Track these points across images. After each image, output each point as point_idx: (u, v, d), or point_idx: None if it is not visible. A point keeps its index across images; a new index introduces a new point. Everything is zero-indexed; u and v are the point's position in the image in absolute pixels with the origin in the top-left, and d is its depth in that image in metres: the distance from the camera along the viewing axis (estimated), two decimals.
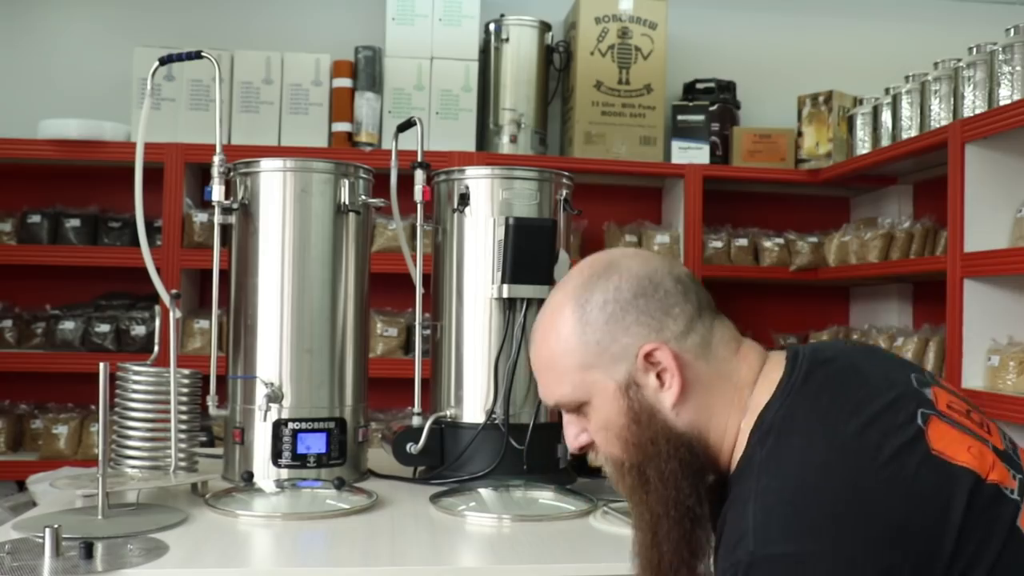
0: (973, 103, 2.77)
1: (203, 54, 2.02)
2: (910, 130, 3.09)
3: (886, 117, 3.25)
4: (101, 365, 1.61)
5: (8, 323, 3.33)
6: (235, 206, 2.01)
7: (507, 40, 3.50)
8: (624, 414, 1.09)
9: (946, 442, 0.98)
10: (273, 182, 2.03)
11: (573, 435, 1.16)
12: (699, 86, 3.73)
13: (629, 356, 1.08)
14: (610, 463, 1.14)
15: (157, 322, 2.06)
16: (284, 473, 1.97)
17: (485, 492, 1.92)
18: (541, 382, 1.17)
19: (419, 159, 2.10)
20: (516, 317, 2.05)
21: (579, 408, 1.13)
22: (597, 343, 1.09)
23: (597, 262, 1.14)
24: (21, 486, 3.19)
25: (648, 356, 1.07)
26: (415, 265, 2.16)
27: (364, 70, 3.41)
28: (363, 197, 2.09)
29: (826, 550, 0.91)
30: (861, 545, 0.91)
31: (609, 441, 1.12)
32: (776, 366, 1.09)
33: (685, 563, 1.07)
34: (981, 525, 0.94)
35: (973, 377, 2.63)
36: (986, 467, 0.98)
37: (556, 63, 3.65)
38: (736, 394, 1.08)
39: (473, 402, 2.09)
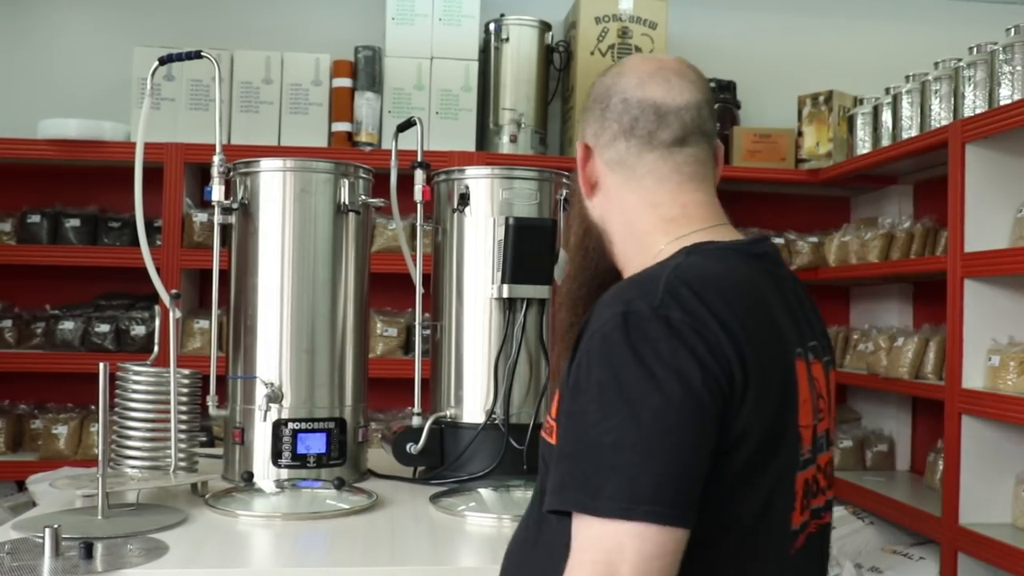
0: (973, 103, 2.76)
1: (203, 54, 2.02)
2: (910, 130, 3.09)
3: (886, 117, 3.25)
4: (101, 365, 1.62)
5: (8, 323, 3.33)
6: (235, 206, 2.01)
7: (507, 40, 3.50)
8: (576, 185, 1.27)
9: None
10: (273, 182, 2.03)
11: None
12: None
13: (578, 144, 1.25)
14: None
15: (157, 322, 2.06)
16: (284, 473, 1.97)
17: (485, 492, 1.92)
18: None
19: (419, 159, 2.10)
20: (516, 317, 2.05)
21: None
22: (585, 120, 1.27)
23: (618, 63, 1.27)
24: (21, 486, 3.19)
25: (582, 149, 1.23)
26: (415, 265, 2.16)
27: (364, 70, 3.41)
28: (363, 197, 2.09)
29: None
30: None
31: None
32: (727, 236, 1.17)
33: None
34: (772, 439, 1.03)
35: (973, 377, 2.63)
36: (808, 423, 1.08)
37: (556, 63, 3.65)
38: (658, 219, 1.18)
39: (473, 402, 2.09)
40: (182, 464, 1.88)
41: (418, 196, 2.08)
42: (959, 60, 2.88)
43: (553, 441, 1.06)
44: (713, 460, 0.97)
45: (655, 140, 1.17)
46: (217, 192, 1.95)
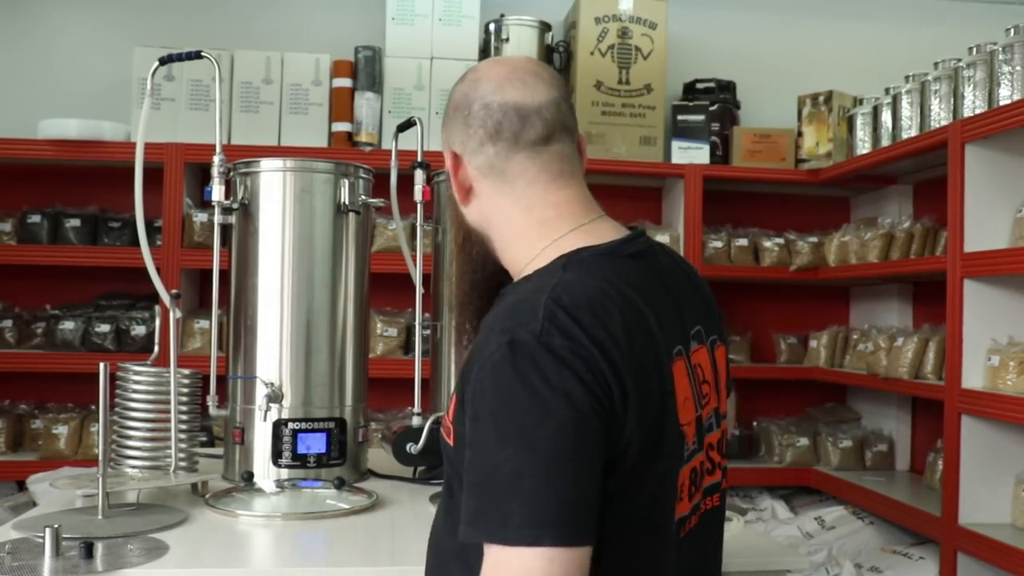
0: (973, 103, 2.77)
1: (203, 54, 2.02)
2: (910, 130, 3.09)
3: (886, 117, 3.25)
4: (101, 365, 1.62)
5: (8, 323, 3.33)
6: (235, 206, 2.01)
7: (507, 40, 3.50)
8: (451, 192, 1.27)
9: (678, 379, 1.13)
10: (273, 182, 2.03)
11: None
12: (699, 86, 3.74)
13: (446, 152, 1.26)
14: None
15: (157, 322, 2.06)
16: (284, 473, 1.97)
17: None
18: None
19: (419, 159, 2.10)
20: None
21: None
22: (449, 130, 1.27)
23: (476, 70, 1.28)
24: (21, 486, 3.19)
25: (451, 157, 1.24)
26: (415, 265, 2.16)
27: (364, 70, 3.41)
28: (363, 197, 2.09)
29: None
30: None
31: None
32: (613, 231, 1.21)
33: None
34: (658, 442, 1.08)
35: (973, 377, 2.63)
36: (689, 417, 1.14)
37: (556, 63, 3.65)
38: (533, 222, 1.21)
39: None
40: (182, 464, 1.88)
41: (418, 196, 2.08)
42: (959, 60, 2.89)
43: (451, 442, 1.12)
44: (603, 470, 1.03)
45: (521, 141, 1.20)
46: (217, 192, 1.95)
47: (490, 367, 1.03)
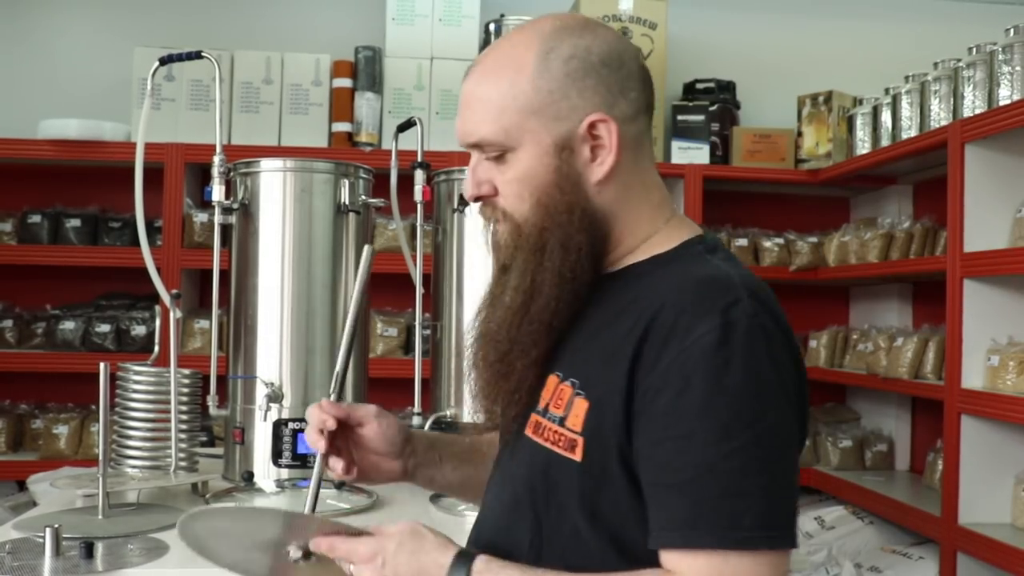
0: (973, 103, 2.77)
1: (203, 54, 2.02)
2: (910, 130, 3.09)
3: (886, 117, 3.25)
4: (101, 365, 1.62)
5: (8, 323, 3.33)
6: (235, 206, 2.01)
7: None
8: (550, 173, 1.06)
9: None
10: (273, 182, 2.03)
11: (476, 182, 1.11)
12: (699, 86, 3.73)
13: (574, 119, 1.05)
14: (508, 221, 1.10)
15: (157, 322, 2.06)
16: (284, 473, 1.97)
17: None
18: (467, 114, 1.10)
19: (419, 159, 2.10)
20: None
21: (500, 154, 1.08)
22: (549, 92, 1.05)
23: (573, 18, 1.10)
24: (21, 486, 3.19)
25: (592, 126, 1.05)
26: (415, 265, 2.16)
27: (364, 70, 3.41)
28: (363, 197, 2.09)
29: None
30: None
31: (520, 196, 1.08)
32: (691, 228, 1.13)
33: (537, 339, 1.06)
34: None
35: (973, 377, 2.63)
36: None
37: None
38: (651, 205, 1.09)
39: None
40: (182, 464, 1.88)
41: (418, 196, 2.08)
42: (958, 60, 2.88)
43: (577, 458, 1.00)
44: None
45: (650, 112, 1.10)
46: (217, 192, 1.95)
47: (699, 352, 0.92)
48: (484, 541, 1.10)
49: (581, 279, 1.06)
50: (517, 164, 1.07)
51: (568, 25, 1.07)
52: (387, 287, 2.92)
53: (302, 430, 1.99)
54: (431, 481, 1.31)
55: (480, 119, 1.08)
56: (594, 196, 1.06)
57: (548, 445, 1.04)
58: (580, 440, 1.00)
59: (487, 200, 1.11)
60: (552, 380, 1.07)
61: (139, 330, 3.29)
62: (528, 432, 1.08)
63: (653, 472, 0.94)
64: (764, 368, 0.92)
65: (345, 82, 3.39)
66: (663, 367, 0.94)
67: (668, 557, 0.94)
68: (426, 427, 2.04)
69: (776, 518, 0.90)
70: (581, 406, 1.00)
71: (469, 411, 2.09)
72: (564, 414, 1.03)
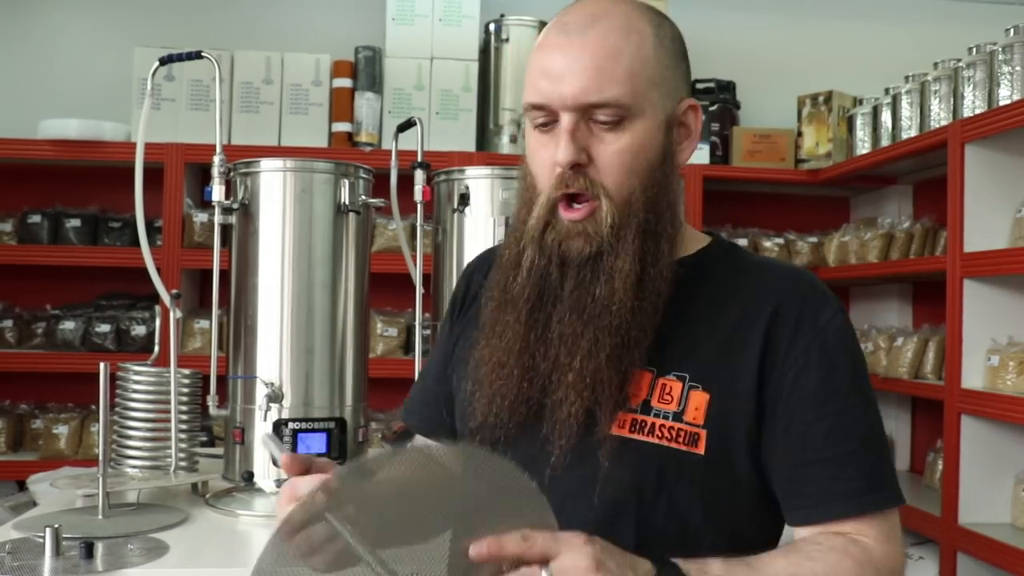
0: (973, 103, 2.76)
1: (203, 54, 2.02)
2: (910, 130, 3.09)
3: (886, 117, 3.25)
4: (101, 365, 1.62)
5: (8, 323, 3.33)
6: (235, 206, 2.01)
7: (507, 40, 3.50)
8: (658, 149, 1.03)
9: None
10: (273, 182, 2.03)
11: (575, 150, 1.01)
12: (699, 86, 3.73)
13: (676, 99, 1.06)
14: (608, 198, 1.02)
15: (157, 322, 2.06)
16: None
17: None
18: (590, 71, 1.01)
19: (419, 159, 2.10)
20: None
21: (618, 120, 1.02)
22: (666, 67, 1.05)
23: (647, 7, 1.08)
24: (21, 486, 3.18)
25: (690, 109, 1.07)
26: (415, 265, 2.16)
27: (364, 70, 3.41)
28: (363, 197, 2.09)
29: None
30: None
31: (629, 169, 1.02)
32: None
33: (648, 328, 1.01)
34: None
35: (973, 377, 2.63)
36: None
37: None
38: (681, 202, 1.09)
39: None
40: (182, 464, 1.88)
41: (418, 196, 2.08)
42: (958, 60, 2.88)
43: (700, 451, 0.99)
44: None
45: None
46: (217, 192, 1.95)
47: (833, 332, 1.02)
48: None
49: (667, 266, 1.03)
50: (633, 134, 1.02)
51: (655, 10, 1.08)
52: (387, 287, 2.92)
53: (302, 430, 1.99)
54: None
55: (610, 77, 1.00)
56: (674, 182, 1.06)
57: (663, 443, 1.00)
58: (703, 433, 0.99)
59: (580, 170, 1.02)
60: (645, 376, 1.02)
61: (139, 330, 3.29)
62: (622, 431, 1.02)
63: (809, 450, 0.99)
64: (861, 349, 1.06)
65: (345, 82, 3.39)
66: (799, 352, 1.00)
67: (844, 527, 1.00)
68: None
69: (893, 477, 1.03)
70: (700, 399, 0.99)
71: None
72: (679, 409, 1.01)
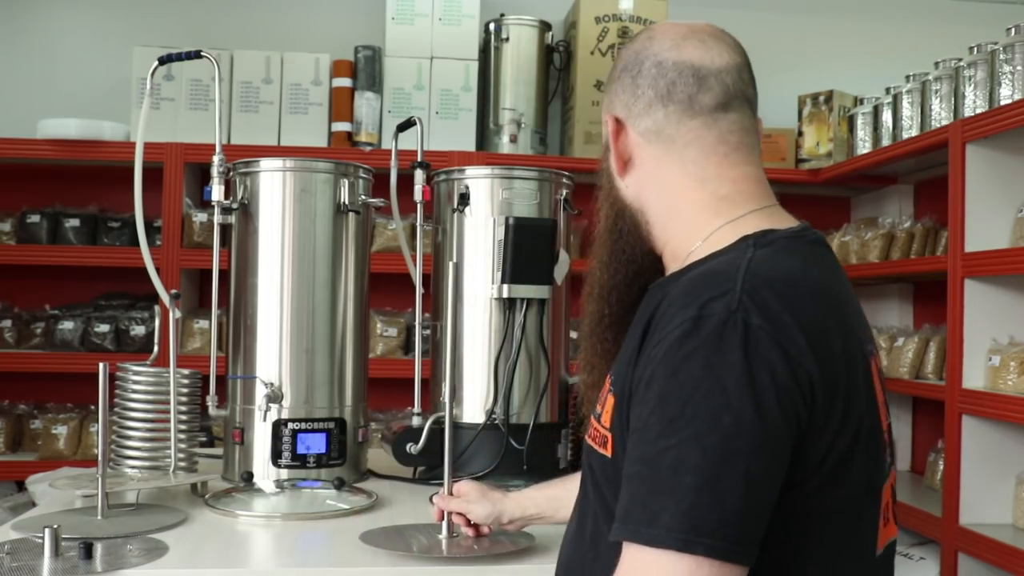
0: (974, 103, 2.76)
1: (203, 54, 2.02)
2: (911, 130, 3.09)
3: (886, 117, 3.25)
4: (101, 365, 1.61)
5: (8, 323, 3.33)
6: (235, 206, 2.01)
7: (507, 40, 3.50)
8: (609, 162, 1.14)
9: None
10: (273, 182, 2.02)
11: None
12: None
13: (608, 117, 1.13)
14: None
15: (157, 322, 2.05)
16: (284, 473, 1.97)
17: None
18: None
19: (419, 159, 2.09)
20: (516, 317, 2.05)
21: None
22: (614, 92, 1.14)
23: (652, 29, 1.15)
24: (21, 486, 3.18)
25: (612, 123, 1.12)
26: (415, 265, 2.16)
27: (364, 70, 3.40)
28: (363, 197, 2.09)
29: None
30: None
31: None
32: (792, 219, 1.13)
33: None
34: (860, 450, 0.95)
35: (973, 377, 2.63)
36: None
37: (556, 63, 3.64)
38: (708, 197, 1.07)
39: (473, 402, 2.08)
40: (182, 464, 1.88)
41: (418, 196, 2.07)
42: (959, 60, 2.88)
43: (608, 453, 0.98)
44: (784, 491, 0.88)
45: (696, 105, 1.06)
46: (217, 192, 1.95)
47: (667, 344, 0.89)
48: (564, 556, 1.12)
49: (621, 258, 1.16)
50: None
51: (636, 36, 1.17)
52: (387, 287, 2.92)
53: (302, 430, 1.98)
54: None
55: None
56: (623, 189, 1.14)
57: (590, 443, 1.04)
58: (609, 436, 0.98)
59: None
60: (608, 379, 1.06)
61: (138, 330, 3.28)
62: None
63: (627, 463, 0.92)
64: (731, 365, 0.85)
65: (345, 82, 3.39)
66: (644, 361, 0.92)
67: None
68: (426, 427, 2.04)
69: (704, 522, 0.82)
70: (611, 402, 0.99)
71: (469, 411, 2.10)
72: (601, 411, 1.03)
